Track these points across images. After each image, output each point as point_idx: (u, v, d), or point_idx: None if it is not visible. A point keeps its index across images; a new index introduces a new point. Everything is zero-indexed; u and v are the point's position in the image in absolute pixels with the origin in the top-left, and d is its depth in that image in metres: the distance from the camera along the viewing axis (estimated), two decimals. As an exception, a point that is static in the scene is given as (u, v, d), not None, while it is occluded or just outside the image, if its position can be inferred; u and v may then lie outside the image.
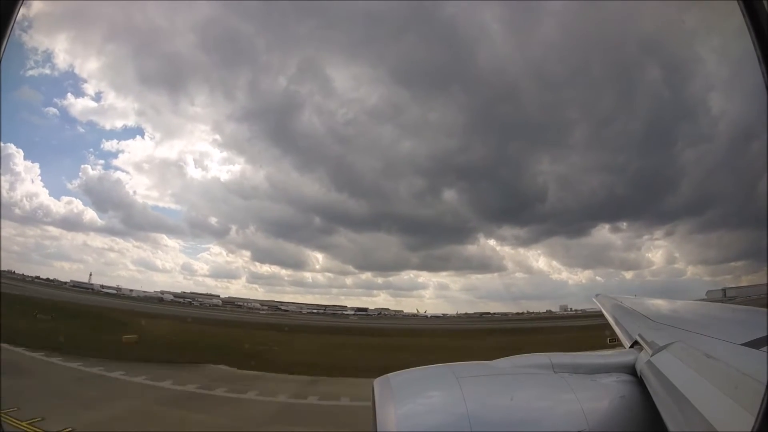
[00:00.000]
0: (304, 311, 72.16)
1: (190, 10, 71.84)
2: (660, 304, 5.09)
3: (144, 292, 69.68)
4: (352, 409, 17.86)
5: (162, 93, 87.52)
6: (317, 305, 74.83)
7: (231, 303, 72.41)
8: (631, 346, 3.35)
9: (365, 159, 72.31)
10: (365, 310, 74.58)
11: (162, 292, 70.67)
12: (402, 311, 73.86)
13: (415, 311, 72.22)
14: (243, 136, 74.83)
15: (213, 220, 76.97)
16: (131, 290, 69.54)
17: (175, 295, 70.98)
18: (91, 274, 71.51)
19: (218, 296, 73.19)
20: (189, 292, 73.32)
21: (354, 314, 72.47)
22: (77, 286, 67.54)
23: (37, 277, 65.88)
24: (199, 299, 71.24)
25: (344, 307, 74.66)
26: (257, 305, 73.12)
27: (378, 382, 2.78)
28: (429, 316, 70.30)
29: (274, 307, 73.26)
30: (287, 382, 23.73)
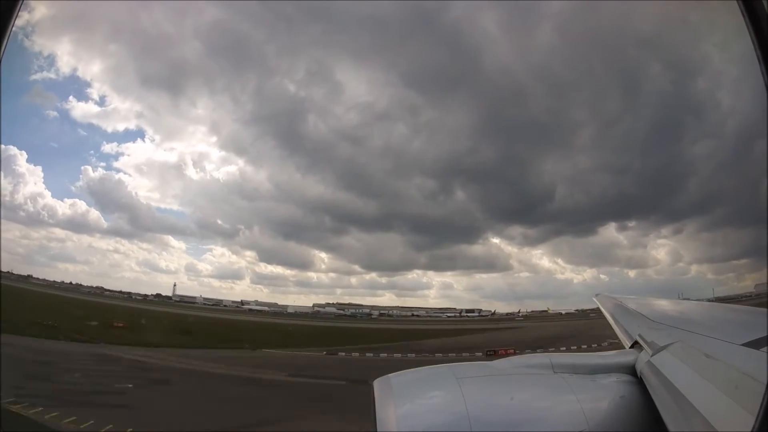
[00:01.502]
0: (460, 314, 62.60)
1: (197, 14, 72.22)
2: (660, 304, 5.08)
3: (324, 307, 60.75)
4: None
5: (167, 96, 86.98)
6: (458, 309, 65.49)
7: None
8: (631, 346, 3.35)
9: (375, 161, 72.19)
10: (492, 312, 66.26)
11: (324, 305, 61.58)
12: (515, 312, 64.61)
13: (546, 309, 67.19)
14: (251, 139, 74.79)
15: (219, 221, 76.30)
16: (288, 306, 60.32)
17: (338, 307, 62.14)
18: (175, 285, 64.06)
19: (379, 307, 63.21)
20: (345, 302, 64.26)
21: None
22: (204, 303, 59.45)
23: (121, 291, 59.65)
24: (362, 312, 61.76)
25: (492, 312, 64.65)
26: (426, 314, 62.79)
27: (378, 383, 2.78)
28: (563, 313, 62.60)
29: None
30: None
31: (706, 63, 57.99)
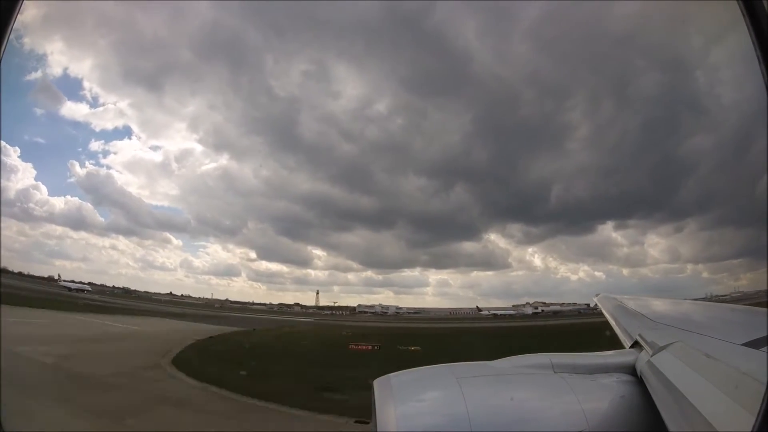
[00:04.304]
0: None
1: (192, 14, 72.41)
2: (660, 304, 5.09)
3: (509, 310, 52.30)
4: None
5: (156, 93, 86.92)
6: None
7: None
8: (632, 346, 3.35)
9: (374, 160, 72.39)
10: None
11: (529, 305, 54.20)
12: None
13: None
14: (247, 137, 74.74)
15: (216, 217, 76.36)
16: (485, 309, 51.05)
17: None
18: (318, 293, 57.06)
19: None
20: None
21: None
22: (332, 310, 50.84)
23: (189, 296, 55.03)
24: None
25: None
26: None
27: (378, 382, 2.78)
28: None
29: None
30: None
31: (706, 62, 58.05)
